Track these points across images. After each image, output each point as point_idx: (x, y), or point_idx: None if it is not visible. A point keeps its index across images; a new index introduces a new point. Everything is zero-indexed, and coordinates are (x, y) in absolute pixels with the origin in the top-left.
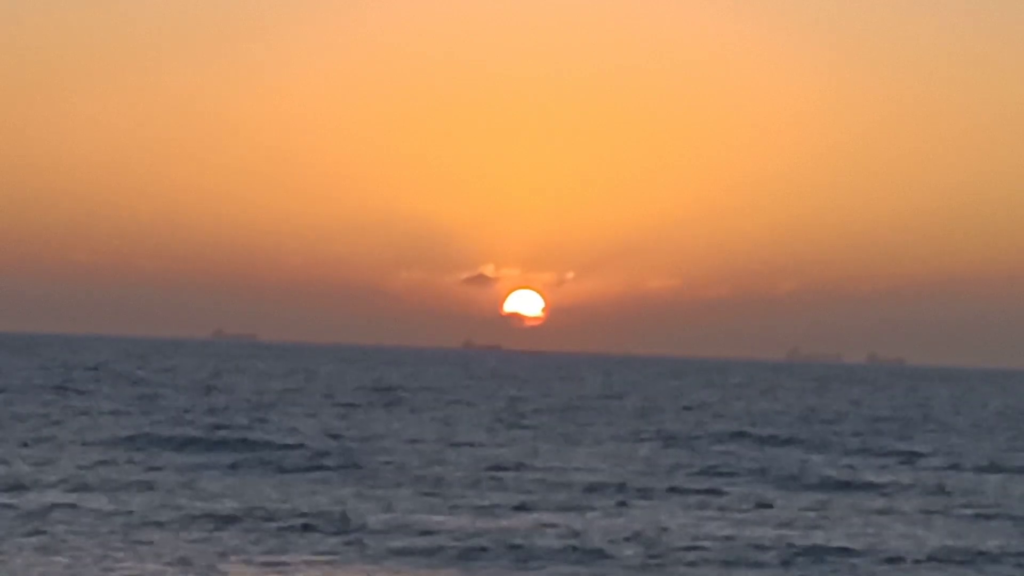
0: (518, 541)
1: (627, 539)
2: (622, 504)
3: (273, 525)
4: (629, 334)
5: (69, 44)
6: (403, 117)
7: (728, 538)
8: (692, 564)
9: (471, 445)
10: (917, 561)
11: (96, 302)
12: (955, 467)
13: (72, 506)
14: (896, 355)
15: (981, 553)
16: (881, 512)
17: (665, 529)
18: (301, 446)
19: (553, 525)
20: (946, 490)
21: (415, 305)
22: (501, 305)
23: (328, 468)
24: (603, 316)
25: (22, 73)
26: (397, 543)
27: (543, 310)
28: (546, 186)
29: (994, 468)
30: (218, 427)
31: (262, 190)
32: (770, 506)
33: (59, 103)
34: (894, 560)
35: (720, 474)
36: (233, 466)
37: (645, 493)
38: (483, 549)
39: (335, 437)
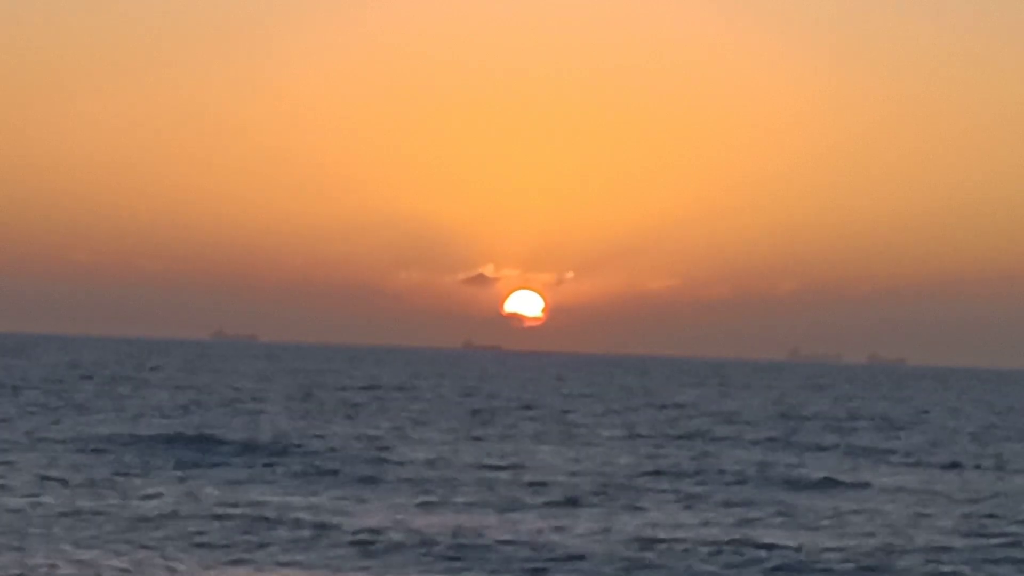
0: (458, 540)
1: (579, 538)
2: (575, 503)
3: (235, 524)
4: (629, 334)
5: (69, 44)
6: (403, 117)
7: (681, 537)
8: (641, 563)
9: (433, 444)
10: (872, 557)
11: (96, 302)
12: (920, 464)
13: (18, 511)
14: (896, 355)
15: (935, 549)
16: (838, 510)
17: (613, 528)
18: (268, 444)
19: (506, 524)
20: (907, 488)
21: (415, 305)
22: (501, 305)
23: (284, 467)
24: (603, 316)
25: (22, 73)
26: (345, 541)
27: (543, 310)
28: (546, 186)
29: (958, 465)
30: (183, 425)
31: (262, 190)
32: (729, 505)
33: (59, 103)
34: (845, 557)
35: (682, 474)
36: (189, 464)
37: (602, 492)
38: (429, 547)
39: (309, 437)
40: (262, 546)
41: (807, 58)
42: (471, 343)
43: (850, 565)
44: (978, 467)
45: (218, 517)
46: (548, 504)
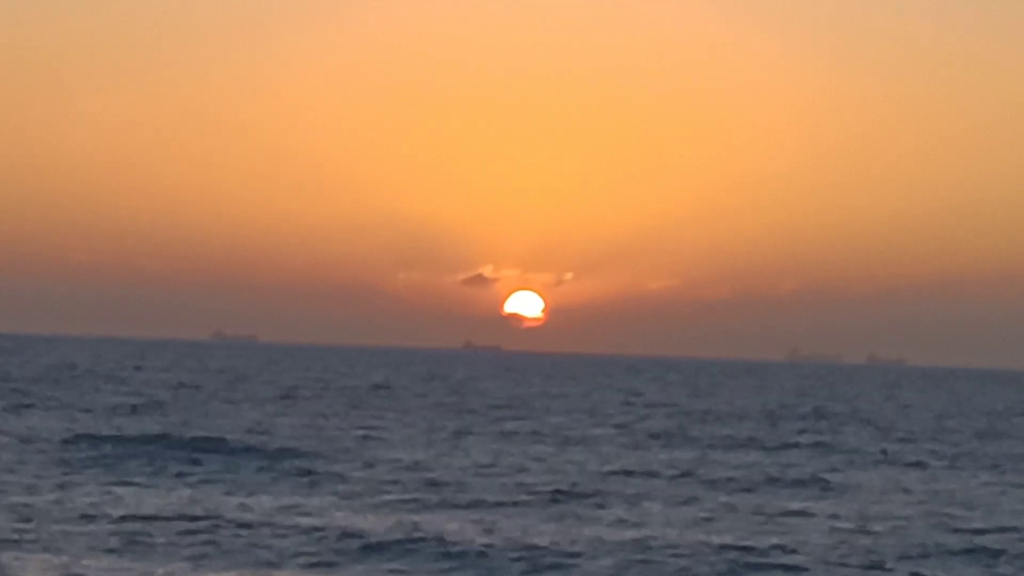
0: (438, 540)
1: (557, 538)
2: (555, 502)
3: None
4: (629, 334)
5: (69, 44)
6: (403, 117)
7: (653, 535)
8: (623, 561)
9: (417, 444)
10: (841, 554)
11: (96, 302)
12: (896, 463)
13: None
14: (896, 355)
15: (904, 546)
16: (812, 509)
17: (589, 528)
18: (249, 444)
19: (486, 524)
20: (879, 486)
21: (415, 305)
22: (501, 305)
23: (266, 467)
24: (603, 316)
25: (22, 73)
26: (325, 541)
27: (543, 311)
28: (546, 186)
29: (931, 465)
30: (163, 425)
31: (262, 190)
32: (703, 504)
33: (59, 103)
34: (815, 556)
35: (658, 474)
36: (169, 463)
37: (580, 491)
38: (411, 547)
39: (292, 436)
40: (245, 548)
41: (807, 58)
42: (471, 343)
43: (819, 563)
44: (952, 467)
45: (198, 518)
46: (529, 503)
